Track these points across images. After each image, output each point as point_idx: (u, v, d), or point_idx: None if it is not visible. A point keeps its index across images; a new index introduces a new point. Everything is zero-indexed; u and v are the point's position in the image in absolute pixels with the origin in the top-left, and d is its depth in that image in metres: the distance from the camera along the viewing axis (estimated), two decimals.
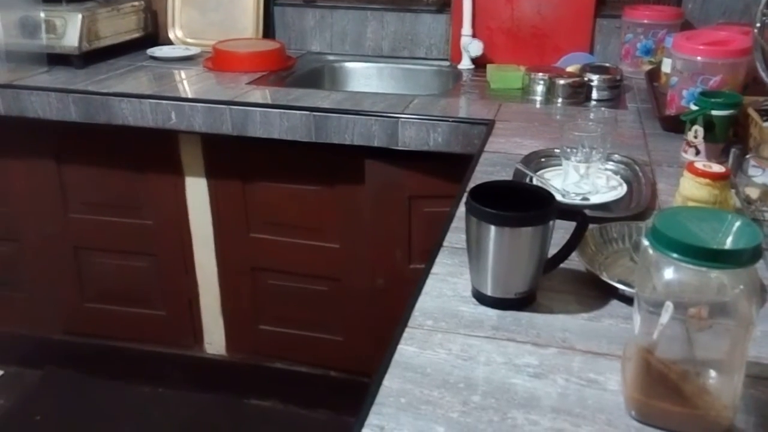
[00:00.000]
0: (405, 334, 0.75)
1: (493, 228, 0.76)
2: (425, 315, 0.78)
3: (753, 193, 1.02)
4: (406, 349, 0.73)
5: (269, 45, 1.92)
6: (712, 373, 0.63)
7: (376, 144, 1.49)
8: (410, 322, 0.77)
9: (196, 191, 1.74)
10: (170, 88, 1.71)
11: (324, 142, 1.52)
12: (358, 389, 1.94)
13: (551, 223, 0.77)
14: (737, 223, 0.60)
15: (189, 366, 1.94)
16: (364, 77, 1.95)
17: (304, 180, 1.64)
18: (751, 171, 1.02)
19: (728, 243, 0.57)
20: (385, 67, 1.94)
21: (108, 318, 1.94)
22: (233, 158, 1.68)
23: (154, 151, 1.72)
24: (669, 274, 0.59)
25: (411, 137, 1.46)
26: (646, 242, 0.88)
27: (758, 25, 0.97)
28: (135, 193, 1.78)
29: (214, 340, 1.90)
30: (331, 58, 2.00)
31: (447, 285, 0.84)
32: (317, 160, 1.60)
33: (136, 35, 2.02)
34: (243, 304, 1.83)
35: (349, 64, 1.97)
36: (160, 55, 1.95)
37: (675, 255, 0.57)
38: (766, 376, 0.67)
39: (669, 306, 0.60)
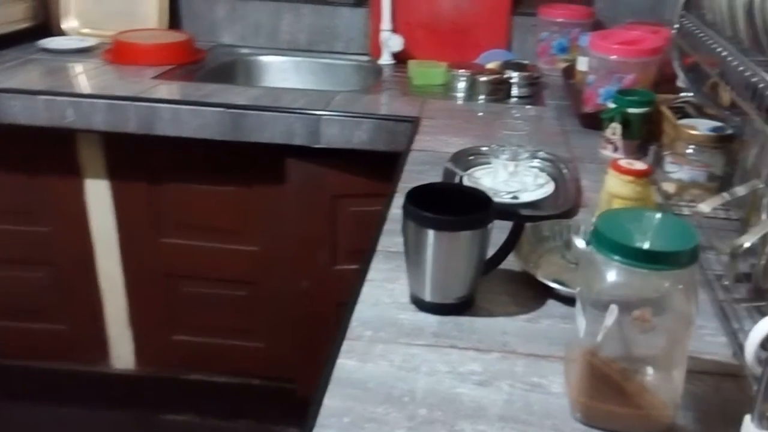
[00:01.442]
0: (344, 347, 0.72)
1: (432, 233, 0.74)
2: (364, 325, 0.75)
3: (670, 188, 1.05)
4: (345, 364, 0.69)
5: (176, 36, 1.82)
6: (650, 370, 0.64)
7: (296, 142, 1.44)
8: (348, 334, 0.74)
9: (97, 194, 1.62)
10: (66, 83, 1.59)
11: (241, 141, 1.45)
12: (282, 396, 1.88)
13: (490, 225, 0.76)
14: (676, 224, 0.61)
15: (96, 382, 1.81)
16: (281, 71, 1.88)
17: (219, 180, 1.56)
18: (669, 167, 1.06)
19: (668, 244, 0.58)
20: (303, 61, 1.88)
21: (0, 335, 1.78)
22: (139, 158, 1.57)
23: (48, 152, 1.59)
24: (612, 276, 0.60)
25: (334, 135, 1.42)
26: (580, 243, 0.90)
27: (677, 26, 0.99)
28: (28, 198, 1.64)
29: (123, 353, 1.79)
30: (244, 51, 1.92)
31: (384, 291, 0.81)
32: (233, 159, 1.53)
33: (24, 25, 1.86)
34: (153, 314, 1.73)
35: (263, 58, 1.90)
36: (53, 47, 1.81)
37: (617, 258, 0.58)
38: (700, 370, 0.68)
39: (614, 309, 0.60)
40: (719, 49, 0.78)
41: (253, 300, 1.67)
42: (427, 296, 0.77)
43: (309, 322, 1.60)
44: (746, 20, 0.71)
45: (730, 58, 0.74)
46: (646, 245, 0.57)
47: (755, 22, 0.69)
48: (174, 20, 1.92)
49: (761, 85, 0.66)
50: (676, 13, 0.99)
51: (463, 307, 0.78)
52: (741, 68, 0.71)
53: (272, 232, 1.58)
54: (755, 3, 0.69)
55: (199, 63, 1.79)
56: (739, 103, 0.78)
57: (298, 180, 1.49)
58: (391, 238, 0.91)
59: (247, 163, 1.53)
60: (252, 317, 1.69)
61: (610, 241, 0.58)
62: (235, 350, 1.73)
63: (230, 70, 1.85)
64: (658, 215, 0.64)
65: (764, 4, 0.68)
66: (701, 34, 0.88)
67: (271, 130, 1.43)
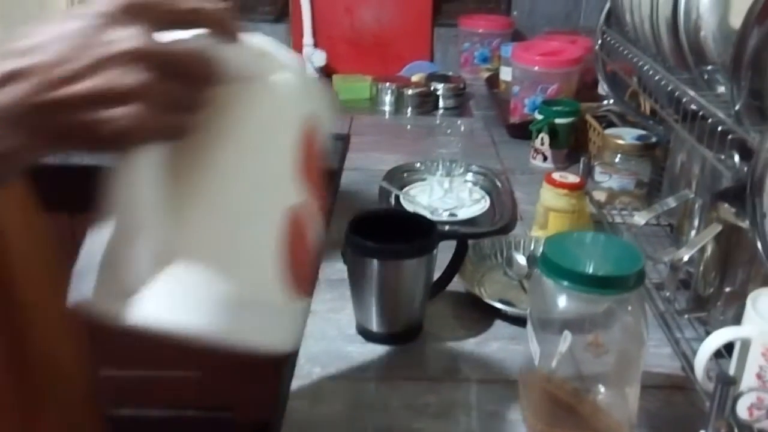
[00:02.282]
0: (293, 387, 0.69)
1: (376, 262, 0.72)
2: (312, 361, 0.72)
3: (601, 197, 1.07)
4: (296, 406, 0.66)
5: None
6: (601, 388, 0.64)
7: None
8: (297, 372, 0.71)
9: None
10: None
11: None
12: (220, 426, 1.80)
13: (435, 251, 0.75)
14: (620, 246, 0.62)
15: None
16: None
17: None
18: (599, 177, 1.08)
19: (615, 268, 0.59)
20: None
21: None
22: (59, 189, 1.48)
23: None
24: (562, 301, 0.60)
25: None
26: (521, 259, 0.90)
27: (599, 41, 1.02)
28: None
29: None
30: None
31: (330, 324, 0.78)
32: None
33: None
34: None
35: None
36: None
37: (567, 284, 0.58)
38: (650, 385, 0.69)
39: (567, 335, 0.60)
40: (646, 67, 0.80)
41: None
42: (375, 326, 0.75)
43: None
44: (670, 39, 0.73)
45: (657, 77, 0.76)
46: (594, 270, 0.58)
47: (680, 41, 0.71)
48: None
49: (692, 104, 0.67)
50: (598, 28, 1.01)
51: (411, 335, 0.76)
52: (669, 86, 0.73)
53: None
54: (679, 22, 0.71)
55: None
56: (661, 114, 0.80)
57: None
58: (332, 265, 0.88)
59: None
60: (183, 345, 1.62)
61: (558, 268, 0.58)
62: (168, 381, 1.65)
63: None
64: (603, 237, 0.65)
65: (688, 24, 0.70)
66: (625, 51, 0.90)
67: None
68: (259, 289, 0.43)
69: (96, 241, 0.41)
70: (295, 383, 0.69)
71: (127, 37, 0.36)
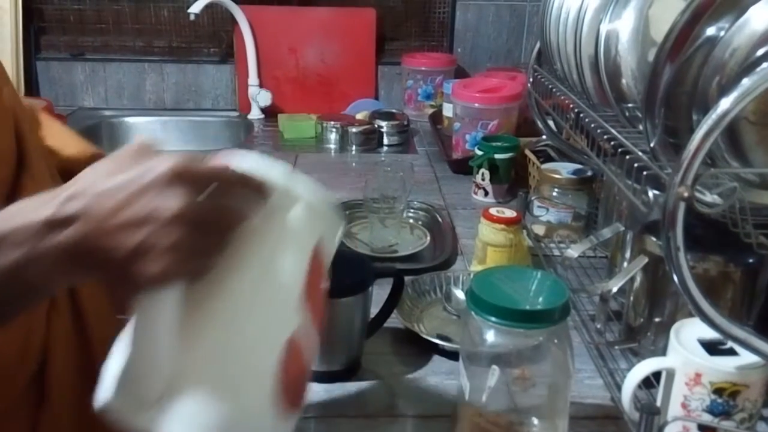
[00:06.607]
0: None
1: None
2: None
3: (540, 230, 1.09)
4: None
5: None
6: (534, 420, 0.65)
7: None
8: None
9: None
10: None
11: None
12: None
13: (371, 288, 0.75)
14: (545, 281, 0.63)
15: None
16: (148, 132, 1.79)
17: None
18: (537, 211, 1.10)
19: (540, 302, 0.60)
20: (170, 120, 1.80)
21: None
22: None
23: None
24: (490, 336, 0.61)
25: None
26: (460, 294, 0.91)
27: (531, 80, 1.05)
28: None
29: None
30: (107, 113, 1.82)
31: None
32: None
33: None
34: None
35: (129, 119, 1.80)
36: None
37: (494, 319, 0.58)
38: (582, 416, 0.70)
39: (495, 370, 0.61)
40: (572, 106, 0.83)
41: None
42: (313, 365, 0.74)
43: None
44: (593, 77, 0.76)
45: (582, 115, 0.78)
46: (520, 305, 0.58)
47: (601, 79, 0.74)
48: (31, 87, 1.79)
49: (612, 141, 0.70)
50: (530, 67, 1.05)
51: (349, 372, 0.76)
52: (592, 123, 0.76)
53: None
54: (600, 60, 0.74)
55: None
56: (584, 150, 0.83)
57: None
58: None
59: None
60: None
61: (486, 304, 0.59)
62: None
63: (95, 133, 1.73)
64: (530, 272, 0.65)
65: (608, 62, 0.72)
66: (553, 89, 0.93)
67: None
68: (255, 415, 0.47)
69: (118, 357, 0.46)
70: None
71: (172, 199, 0.43)
